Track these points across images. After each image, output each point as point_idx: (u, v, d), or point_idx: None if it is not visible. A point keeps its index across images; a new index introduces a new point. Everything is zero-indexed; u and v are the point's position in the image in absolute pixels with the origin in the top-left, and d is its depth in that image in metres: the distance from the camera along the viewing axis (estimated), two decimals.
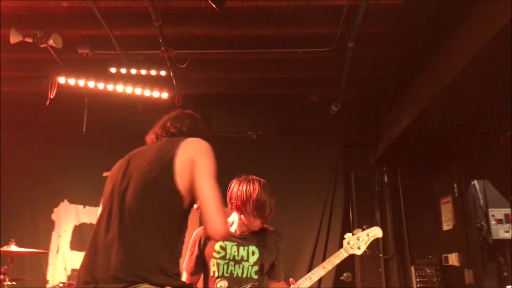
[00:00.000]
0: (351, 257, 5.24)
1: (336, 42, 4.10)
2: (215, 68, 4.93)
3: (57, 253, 5.22)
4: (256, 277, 2.52)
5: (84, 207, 5.38)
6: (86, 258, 1.72)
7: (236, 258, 2.49)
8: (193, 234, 2.61)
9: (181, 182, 1.71)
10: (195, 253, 2.56)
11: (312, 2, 3.83)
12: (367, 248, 2.67)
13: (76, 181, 5.44)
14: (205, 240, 2.54)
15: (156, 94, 4.95)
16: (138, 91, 4.86)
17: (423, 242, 5.10)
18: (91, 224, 5.33)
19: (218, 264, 2.46)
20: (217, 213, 1.71)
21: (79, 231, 5.31)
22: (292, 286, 2.58)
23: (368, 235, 2.67)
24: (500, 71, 3.16)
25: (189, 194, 1.74)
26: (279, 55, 4.60)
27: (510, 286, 3.71)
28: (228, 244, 2.51)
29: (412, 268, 5.04)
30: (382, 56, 4.43)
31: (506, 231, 4.07)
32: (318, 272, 2.57)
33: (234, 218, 2.60)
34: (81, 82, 4.70)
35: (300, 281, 2.58)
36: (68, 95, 5.03)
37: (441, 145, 4.51)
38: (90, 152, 5.51)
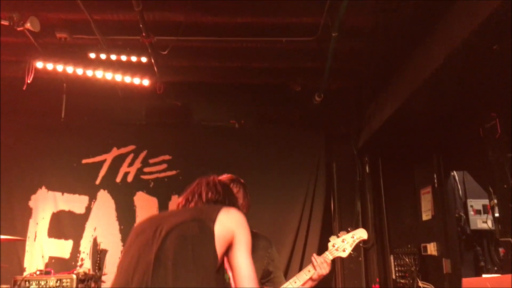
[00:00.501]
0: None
1: (320, 32, 4.08)
2: (197, 56, 4.86)
3: (34, 240, 5.16)
4: None
5: (63, 194, 5.31)
6: None
7: None
8: None
9: (218, 247, 1.79)
10: None
11: None
12: (352, 250, 2.65)
13: (55, 168, 5.36)
14: None
15: (137, 81, 4.88)
16: (118, 77, 4.78)
17: (402, 232, 5.16)
18: (69, 212, 5.27)
19: None
20: None
21: (57, 218, 5.24)
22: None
23: (353, 237, 2.65)
24: (480, 63, 3.18)
25: (221, 260, 1.83)
26: (262, 44, 4.55)
27: (486, 275, 3.77)
28: None
29: (391, 257, 5.11)
30: (365, 47, 4.43)
31: (484, 222, 4.12)
32: (303, 275, 2.57)
33: None
34: (60, 67, 4.60)
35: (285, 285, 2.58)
36: (46, 80, 4.94)
37: (421, 137, 4.54)
38: (69, 138, 5.44)
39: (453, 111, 4.02)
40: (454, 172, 4.44)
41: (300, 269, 5.08)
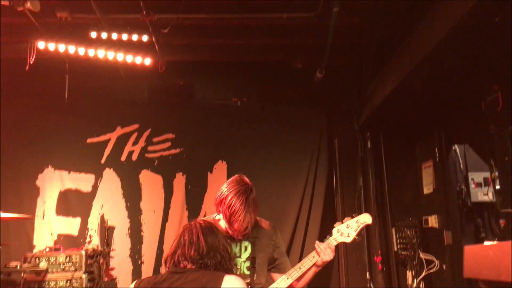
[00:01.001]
0: (334, 219, 5.36)
1: (321, 7, 4.06)
2: (198, 34, 4.84)
3: (43, 218, 5.25)
4: (248, 272, 2.54)
5: (69, 173, 5.38)
6: None
7: None
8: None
9: None
10: None
11: None
12: (356, 235, 2.63)
13: (60, 148, 5.42)
14: None
15: (138, 60, 4.88)
16: (120, 56, 4.78)
17: (404, 205, 5.22)
18: (76, 190, 5.36)
19: None
20: None
21: (64, 196, 5.33)
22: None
23: (357, 222, 2.64)
24: (483, 36, 3.17)
25: None
26: (263, 21, 4.53)
27: (487, 242, 3.83)
28: None
29: (393, 230, 5.19)
30: (366, 23, 4.41)
31: (485, 194, 4.16)
32: (307, 262, 2.57)
33: None
34: (61, 47, 4.59)
35: (291, 271, 2.59)
36: (48, 60, 4.94)
37: (423, 111, 4.55)
38: (73, 118, 5.48)
39: (455, 85, 4.01)
40: (456, 145, 4.45)
41: (303, 245, 5.22)
